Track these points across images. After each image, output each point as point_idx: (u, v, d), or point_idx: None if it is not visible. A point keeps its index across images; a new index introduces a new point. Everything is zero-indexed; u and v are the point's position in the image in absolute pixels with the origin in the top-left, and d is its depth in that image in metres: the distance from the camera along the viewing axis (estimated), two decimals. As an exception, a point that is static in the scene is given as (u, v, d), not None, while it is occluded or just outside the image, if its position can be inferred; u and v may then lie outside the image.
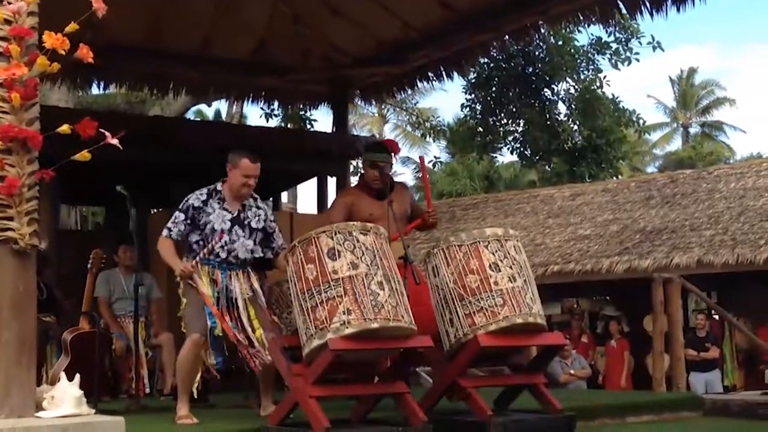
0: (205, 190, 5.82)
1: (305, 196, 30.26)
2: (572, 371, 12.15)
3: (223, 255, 5.67)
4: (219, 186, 5.83)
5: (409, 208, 6.54)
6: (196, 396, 5.86)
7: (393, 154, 6.61)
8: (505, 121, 17.81)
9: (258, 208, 5.89)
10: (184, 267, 5.61)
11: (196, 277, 5.60)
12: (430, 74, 10.87)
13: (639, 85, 66.69)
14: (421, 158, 7.43)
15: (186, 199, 5.80)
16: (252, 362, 5.58)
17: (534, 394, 5.55)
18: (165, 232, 5.78)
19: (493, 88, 17.19)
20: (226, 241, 5.67)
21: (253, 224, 5.83)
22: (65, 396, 4.10)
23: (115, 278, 8.02)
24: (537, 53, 16.59)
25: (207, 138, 9.91)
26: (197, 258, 5.66)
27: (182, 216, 5.75)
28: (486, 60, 15.92)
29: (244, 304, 5.66)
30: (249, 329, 5.59)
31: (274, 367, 5.52)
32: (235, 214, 5.78)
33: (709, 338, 12.88)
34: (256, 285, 5.78)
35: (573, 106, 17.50)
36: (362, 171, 6.71)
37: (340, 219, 6.12)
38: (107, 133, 4.25)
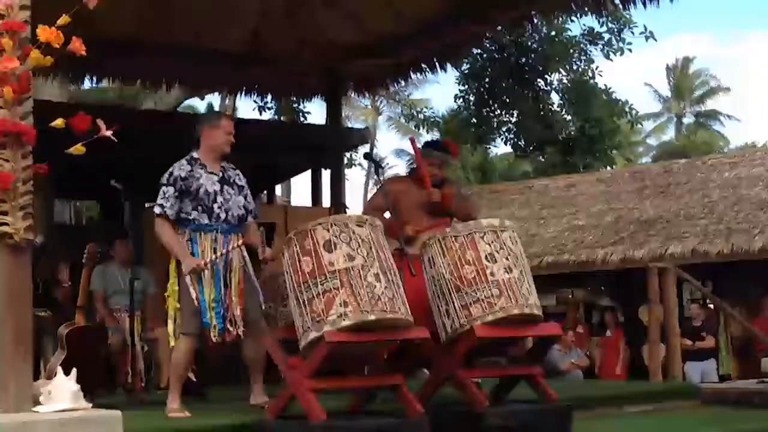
0: (184, 161, 5.83)
1: (299, 189, 30.21)
2: (572, 360, 12.19)
3: (222, 215, 5.71)
4: (195, 154, 5.86)
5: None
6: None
7: (450, 154, 6.79)
8: (499, 112, 17.75)
9: (233, 169, 5.98)
10: (197, 263, 5.57)
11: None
12: (423, 66, 10.87)
13: (635, 75, 66.72)
14: (412, 139, 7.48)
15: (168, 173, 5.76)
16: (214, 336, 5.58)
17: (531, 385, 5.56)
18: (159, 210, 5.67)
19: (486, 80, 17.14)
20: (221, 201, 5.73)
21: (238, 182, 5.91)
22: (62, 390, 4.10)
23: (111, 272, 8.00)
24: (530, 44, 16.56)
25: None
26: (195, 227, 5.66)
27: (172, 189, 5.70)
28: (479, 51, 15.88)
29: (236, 275, 5.68)
30: (233, 303, 5.63)
31: (263, 355, 5.52)
32: (221, 176, 5.84)
33: (704, 328, 12.90)
34: (245, 253, 5.82)
35: (566, 97, 17.47)
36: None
37: (380, 203, 6.36)
38: (101, 124, 4.24)
